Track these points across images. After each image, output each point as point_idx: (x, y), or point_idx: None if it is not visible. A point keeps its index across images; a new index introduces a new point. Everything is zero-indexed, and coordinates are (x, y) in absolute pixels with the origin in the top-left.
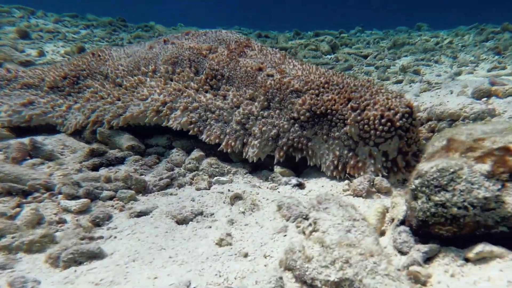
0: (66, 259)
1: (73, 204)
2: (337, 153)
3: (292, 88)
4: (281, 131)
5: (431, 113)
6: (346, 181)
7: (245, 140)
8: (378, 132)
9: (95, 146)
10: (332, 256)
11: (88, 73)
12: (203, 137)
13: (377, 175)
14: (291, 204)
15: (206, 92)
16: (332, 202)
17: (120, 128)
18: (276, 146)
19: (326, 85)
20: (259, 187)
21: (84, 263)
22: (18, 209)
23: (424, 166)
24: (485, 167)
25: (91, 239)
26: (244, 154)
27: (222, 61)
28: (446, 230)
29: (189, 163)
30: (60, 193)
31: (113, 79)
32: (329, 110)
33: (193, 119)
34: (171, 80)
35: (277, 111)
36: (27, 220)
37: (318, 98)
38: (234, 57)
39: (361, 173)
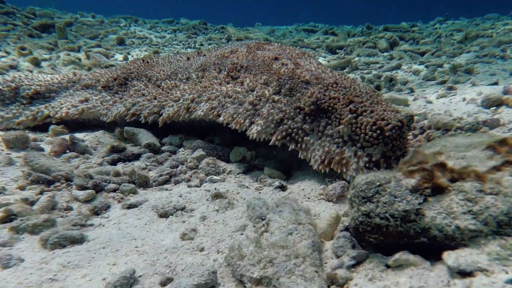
0: (52, 242)
1: (81, 194)
2: (326, 149)
3: (303, 79)
4: (285, 117)
5: (431, 122)
6: (322, 186)
7: (253, 120)
8: (367, 137)
9: (115, 143)
10: (260, 255)
11: (135, 75)
12: (220, 119)
13: (358, 174)
14: (256, 205)
15: (228, 83)
16: (287, 205)
17: (143, 125)
18: (276, 130)
19: (334, 85)
20: (247, 187)
21: (67, 247)
22: (39, 195)
23: (358, 178)
24: (412, 181)
25: (83, 226)
26: (248, 131)
27: (242, 55)
28: (374, 238)
29: (190, 161)
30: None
31: (154, 81)
32: (330, 108)
33: (213, 105)
34: (200, 82)
35: (287, 97)
36: (42, 206)
37: (325, 94)
38: (252, 51)
39: (344, 170)
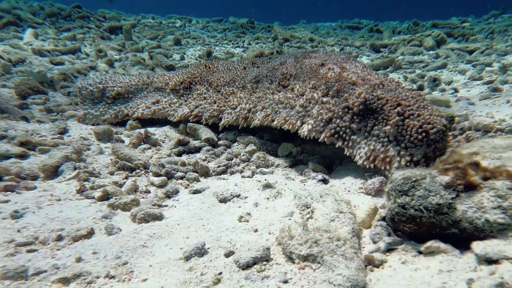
0: (139, 217)
1: (156, 180)
2: (372, 147)
3: (349, 81)
4: (334, 116)
5: (471, 123)
6: (362, 180)
7: (304, 120)
8: (412, 138)
9: (181, 137)
10: (307, 237)
11: (199, 80)
12: (274, 123)
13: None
14: (302, 195)
15: (279, 92)
16: (330, 196)
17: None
18: (325, 128)
19: (380, 86)
20: (293, 179)
21: (150, 222)
22: (125, 180)
23: (395, 173)
24: (446, 178)
25: (160, 206)
26: (299, 130)
27: (290, 65)
28: (408, 227)
29: (243, 155)
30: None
31: (214, 87)
32: (379, 109)
33: (268, 112)
34: (254, 92)
35: (335, 98)
36: (128, 188)
37: (373, 94)
38: (300, 60)
39: (387, 167)
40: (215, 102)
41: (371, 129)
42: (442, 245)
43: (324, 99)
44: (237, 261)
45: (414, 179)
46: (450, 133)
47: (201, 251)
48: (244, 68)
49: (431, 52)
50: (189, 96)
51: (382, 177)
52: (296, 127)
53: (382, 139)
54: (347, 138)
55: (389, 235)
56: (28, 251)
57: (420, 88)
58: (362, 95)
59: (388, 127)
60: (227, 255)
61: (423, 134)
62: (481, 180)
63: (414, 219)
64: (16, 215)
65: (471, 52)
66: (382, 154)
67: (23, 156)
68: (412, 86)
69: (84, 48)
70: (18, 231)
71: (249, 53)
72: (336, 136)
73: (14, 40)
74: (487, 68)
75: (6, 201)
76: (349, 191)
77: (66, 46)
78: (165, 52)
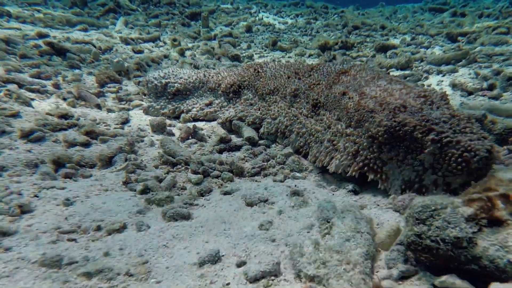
0: (169, 216)
1: (193, 177)
2: (406, 178)
3: (367, 109)
4: (360, 148)
5: None
6: (393, 195)
7: (332, 155)
8: (450, 168)
9: (224, 135)
10: (316, 256)
11: (247, 84)
12: (309, 157)
13: None
14: (325, 208)
15: (312, 117)
16: (351, 213)
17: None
18: (354, 161)
19: (402, 108)
20: (323, 187)
21: (178, 221)
22: (166, 175)
23: (416, 199)
24: (469, 211)
25: (191, 205)
26: (329, 166)
27: (320, 91)
28: (425, 257)
29: (279, 157)
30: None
31: (260, 94)
32: (407, 136)
33: (301, 143)
34: (292, 106)
35: (358, 129)
36: (167, 184)
37: (395, 120)
38: (330, 85)
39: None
40: (259, 109)
41: (404, 157)
42: (458, 282)
43: (348, 131)
44: (246, 273)
45: (433, 207)
46: (505, 147)
47: (214, 259)
48: (288, 77)
49: None
50: (237, 100)
51: (414, 193)
52: (326, 163)
53: (416, 167)
54: (378, 170)
55: (405, 261)
56: (68, 240)
57: (491, 87)
58: (383, 123)
59: (423, 155)
60: (239, 265)
61: (463, 164)
62: (509, 216)
63: (430, 250)
64: (67, 203)
65: None
66: (417, 184)
67: (86, 145)
68: (482, 85)
69: (164, 36)
70: (66, 218)
71: (313, 43)
72: (365, 168)
73: (107, 30)
74: None
75: (63, 188)
76: (378, 205)
77: (149, 34)
78: (234, 41)
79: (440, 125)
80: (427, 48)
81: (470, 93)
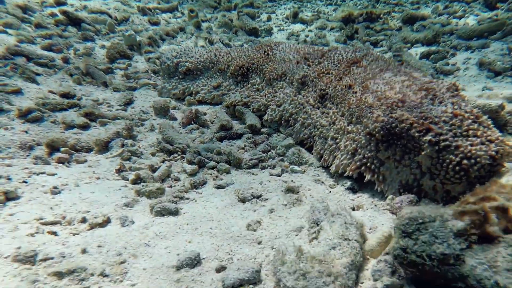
0: (156, 210)
1: (188, 168)
2: (403, 181)
3: (366, 104)
4: (359, 146)
5: None
6: (391, 196)
7: (335, 154)
8: (448, 176)
9: (224, 122)
10: (296, 266)
11: (255, 68)
12: (313, 153)
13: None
14: (316, 209)
15: (318, 108)
16: (341, 217)
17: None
18: (352, 161)
19: (399, 104)
20: (322, 183)
21: (164, 216)
22: (161, 164)
23: (405, 209)
24: (459, 225)
25: (181, 198)
26: (330, 166)
27: (329, 81)
28: (410, 272)
29: (279, 148)
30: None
31: (267, 79)
32: (404, 133)
33: (306, 135)
34: (299, 93)
35: (357, 125)
36: (161, 174)
37: (393, 116)
38: (340, 77)
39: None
40: (265, 95)
41: (401, 157)
42: None
43: (349, 128)
44: (223, 281)
45: (420, 220)
46: None
47: (193, 262)
48: (297, 62)
49: None
50: (245, 84)
51: (413, 195)
52: (329, 162)
53: (414, 170)
54: (376, 170)
55: (393, 273)
56: (48, 232)
57: None
58: (380, 118)
59: (420, 157)
60: (219, 270)
61: (461, 173)
62: (500, 232)
63: (416, 265)
64: (54, 191)
65: None
66: (415, 188)
67: (85, 127)
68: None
69: (183, 5)
70: (51, 208)
71: (337, 13)
72: (363, 168)
73: None
74: None
75: (53, 174)
76: (375, 205)
77: (168, 3)
78: (253, 12)
79: (440, 125)
80: (460, 18)
81: (497, 74)
